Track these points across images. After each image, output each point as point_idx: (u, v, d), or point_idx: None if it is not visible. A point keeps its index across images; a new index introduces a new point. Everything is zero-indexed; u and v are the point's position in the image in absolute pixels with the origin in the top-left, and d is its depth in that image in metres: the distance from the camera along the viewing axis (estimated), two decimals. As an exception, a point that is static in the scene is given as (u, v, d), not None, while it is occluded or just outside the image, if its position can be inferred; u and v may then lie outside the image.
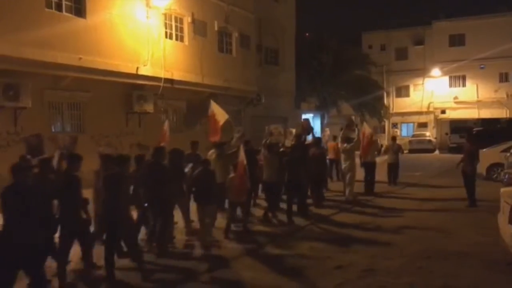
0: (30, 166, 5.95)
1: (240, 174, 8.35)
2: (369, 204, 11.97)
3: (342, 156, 12.45)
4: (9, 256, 4.90)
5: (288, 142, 12.04)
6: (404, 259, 6.99)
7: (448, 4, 35.22)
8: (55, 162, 7.16)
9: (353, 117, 17.34)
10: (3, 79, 10.75)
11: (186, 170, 8.55)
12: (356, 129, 13.22)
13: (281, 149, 10.73)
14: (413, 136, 34.66)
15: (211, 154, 9.61)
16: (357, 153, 13.00)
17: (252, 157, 9.70)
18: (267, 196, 10.08)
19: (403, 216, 10.34)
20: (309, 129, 12.14)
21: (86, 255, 6.08)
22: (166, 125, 10.67)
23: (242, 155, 8.44)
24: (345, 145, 12.23)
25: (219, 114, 10.41)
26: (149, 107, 14.56)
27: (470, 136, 12.39)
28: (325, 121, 28.42)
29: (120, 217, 6.14)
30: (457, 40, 35.76)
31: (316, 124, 27.23)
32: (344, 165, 12.35)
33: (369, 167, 13.28)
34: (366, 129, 13.50)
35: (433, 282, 6.07)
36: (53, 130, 12.58)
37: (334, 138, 14.32)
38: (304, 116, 26.40)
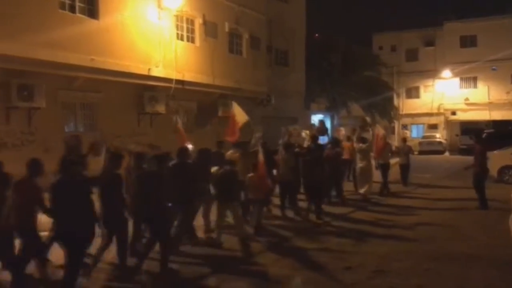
0: (78, 162, 6.18)
1: (261, 174, 8.68)
2: (381, 204, 12.13)
3: (358, 156, 12.59)
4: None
5: (305, 143, 12.31)
6: (413, 261, 7.02)
7: (460, 5, 34.99)
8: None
9: (367, 118, 17.47)
10: (17, 79, 10.92)
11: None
12: (370, 130, 13.45)
13: (296, 150, 10.98)
14: (423, 137, 34.49)
15: (232, 153, 9.82)
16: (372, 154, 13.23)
17: (269, 157, 9.89)
18: (282, 194, 10.30)
19: (413, 217, 10.34)
20: (324, 130, 12.56)
21: (121, 252, 6.29)
22: (180, 124, 10.75)
23: (261, 156, 8.76)
24: (360, 145, 12.47)
25: (240, 115, 10.74)
26: (161, 108, 14.68)
27: (478, 137, 12.41)
28: (335, 122, 28.38)
29: (156, 214, 6.37)
30: (468, 41, 35.49)
31: (326, 125, 27.17)
32: (360, 164, 12.52)
33: (384, 169, 13.44)
34: (380, 130, 13.72)
35: (442, 284, 6.10)
36: (66, 130, 12.74)
37: (348, 138, 14.47)
38: (313, 117, 26.44)
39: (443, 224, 9.55)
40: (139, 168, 7.14)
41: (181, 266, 6.69)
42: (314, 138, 11.56)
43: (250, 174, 8.78)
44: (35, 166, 5.85)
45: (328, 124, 27.32)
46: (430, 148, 31.56)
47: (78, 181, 5.53)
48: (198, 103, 16.81)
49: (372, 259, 7.13)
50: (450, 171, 19.52)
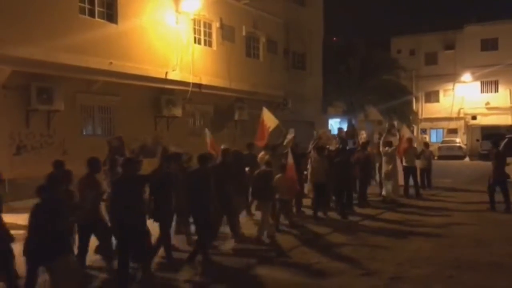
0: (138, 161, 6.91)
1: (290, 175, 9.08)
2: (399, 210, 11.90)
3: (384, 159, 12.71)
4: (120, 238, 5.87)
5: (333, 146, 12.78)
6: (433, 268, 6.85)
7: (481, 8, 34.41)
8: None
9: (394, 122, 17.68)
10: (37, 83, 11.09)
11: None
12: (397, 134, 13.82)
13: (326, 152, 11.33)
14: (443, 142, 33.95)
15: (263, 155, 10.31)
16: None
17: (298, 159, 10.19)
18: (316, 195, 10.54)
19: (433, 223, 10.14)
20: (354, 134, 13.16)
21: (165, 244, 6.88)
22: (209, 137, 11.05)
23: (290, 158, 9.26)
24: (386, 148, 12.66)
25: (270, 120, 11.24)
26: (178, 111, 14.75)
27: (495, 142, 12.44)
28: (355, 124, 28.17)
29: (204, 211, 6.89)
30: (489, 45, 34.87)
31: (344, 128, 27.00)
32: (386, 168, 12.64)
33: (409, 171, 13.55)
34: (406, 132, 14.10)
35: (463, 292, 5.94)
36: (84, 133, 12.89)
37: (367, 142, 14.40)
38: (330, 121, 26.30)
39: (465, 231, 9.32)
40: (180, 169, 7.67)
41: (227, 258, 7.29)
42: (344, 142, 12.06)
43: (278, 175, 9.00)
44: (95, 164, 6.59)
45: (345, 128, 27.14)
46: (449, 153, 30.99)
47: (137, 177, 6.14)
48: (214, 106, 16.85)
49: (390, 266, 6.99)
50: (471, 177, 19.13)
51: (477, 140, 32.89)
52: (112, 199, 6.02)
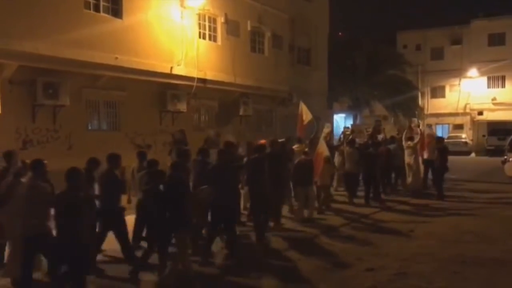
0: (188, 152, 7.70)
1: (319, 163, 10.14)
2: (408, 203, 12.18)
3: (406, 152, 13.70)
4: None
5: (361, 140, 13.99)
6: (437, 264, 6.85)
7: (488, 3, 34.04)
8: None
9: (415, 119, 18.77)
10: (43, 78, 11.12)
11: None
12: (419, 130, 14.88)
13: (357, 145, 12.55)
14: (448, 137, 33.74)
15: (298, 146, 11.31)
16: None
17: (331, 151, 11.46)
18: (348, 184, 11.97)
19: (437, 218, 10.13)
20: (381, 129, 14.67)
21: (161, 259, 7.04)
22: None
23: (323, 147, 10.46)
24: (408, 142, 13.63)
25: (306, 114, 12.16)
26: (182, 106, 14.76)
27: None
28: (358, 121, 28.09)
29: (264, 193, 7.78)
30: (496, 39, 34.60)
31: (348, 124, 26.93)
32: (408, 160, 13.59)
33: (429, 165, 14.15)
34: (427, 130, 15.76)
35: (468, 288, 5.93)
36: (89, 127, 12.93)
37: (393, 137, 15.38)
38: (335, 117, 26.24)
39: (469, 227, 9.30)
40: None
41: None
42: (371, 136, 13.57)
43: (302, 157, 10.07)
44: (115, 160, 6.75)
45: (350, 123, 27.08)
46: (455, 149, 30.74)
47: (232, 165, 7.41)
48: (219, 101, 16.84)
49: (395, 261, 6.99)
50: (476, 173, 19.05)
51: (483, 136, 32.72)
52: (211, 182, 6.93)
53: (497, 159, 17.98)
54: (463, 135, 34.10)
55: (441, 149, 14.41)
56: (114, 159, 6.75)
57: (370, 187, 11.86)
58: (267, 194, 7.88)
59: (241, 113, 17.31)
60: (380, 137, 14.21)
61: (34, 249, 5.37)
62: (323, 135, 12.12)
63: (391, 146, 13.53)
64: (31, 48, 10.54)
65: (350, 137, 13.06)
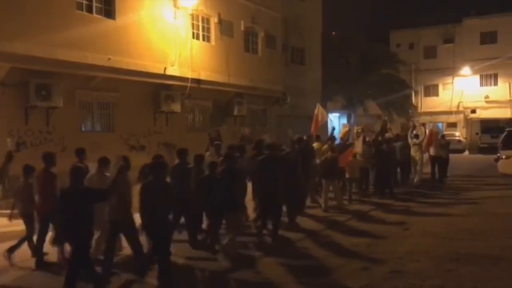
0: (236, 155, 8.24)
1: (346, 156, 11.55)
2: (403, 200, 12.34)
3: (412, 149, 14.86)
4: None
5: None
6: (432, 262, 6.88)
7: (480, 1, 34.13)
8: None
9: (417, 119, 20.09)
10: (36, 79, 11.07)
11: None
12: (423, 128, 16.44)
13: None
14: (442, 136, 33.89)
15: (317, 144, 12.24)
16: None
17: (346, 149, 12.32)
18: (362, 178, 12.69)
19: (432, 216, 10.17)
20: (387, 129, 15.66)
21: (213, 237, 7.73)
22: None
23: (358, 144, 12.23)
24: (414, 140, 14.97)
25: (322, 114, 13.23)
26: (176, 107, 14.73)
27: None
28: (352, 121, 28.14)
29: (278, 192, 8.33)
30: (488, 38, 34.77)
31: (344, 122, 26.97)
32: (414, 156, 14.81)
33: (435, 161, 15.57)
34: (434, 128, 16.79)
35: (462, 285, 5.96)
36: (83, 129, 12.88)
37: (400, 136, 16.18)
38: (330, 115, 26.25)
39: (464, 224, 9.35)
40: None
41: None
42: (379, 134, 14.36)
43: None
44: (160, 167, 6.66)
45: (344, 122, 27.12)
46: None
47: (277, 158, 8.46)
48: (213, 102, 16.83)
49: (389, 259, 7.01)
50: (470, 170, 19.15)
51: (477, 134, 32.89)
52: (259, 174, 8.23)
53: (490, 157, 18.07)
54: (457, 133, 34.26)
55: (445, 145, 16.06)
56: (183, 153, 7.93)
57: (383, 182, 12.79)
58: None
59: (235, 113, 17.30)
60: (387, 135, 14.87)
61: (118, 232, 6.55)
62: (341, 134, 13.60)
63: (398, 144, 14.34)
64: (23, 50, 10.49)
65: (362, 135, 13.94)
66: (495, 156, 16.35)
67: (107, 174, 6.73)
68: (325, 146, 11.73)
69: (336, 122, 27.85)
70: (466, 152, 31.40)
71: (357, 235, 8.64)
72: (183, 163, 7.94)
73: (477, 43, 35.00)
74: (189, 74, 14.80)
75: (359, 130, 14.91)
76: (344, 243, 8.07)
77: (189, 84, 14.78)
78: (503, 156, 15.56)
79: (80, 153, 7.79)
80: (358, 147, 12.31)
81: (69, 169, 5.64)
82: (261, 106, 19.59)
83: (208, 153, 9.65)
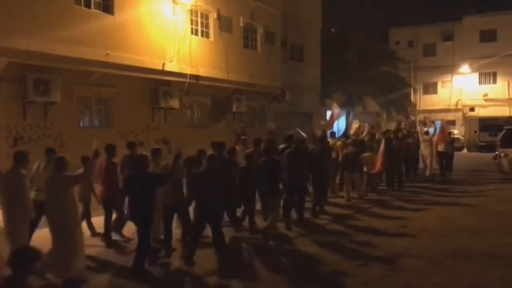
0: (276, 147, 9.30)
1: (378, 163, 12.55)
2: (402, 197, 12.33)
3: (423, 145, 16.03)
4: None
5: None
6: (430, 258, 6.88)
7: (479, -1, 34.25)
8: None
9: (428, 115, 21.77)
10: (34, 74, 10.99)
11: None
12: (434, 125, 17.21)
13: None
14: (449, 133, 33.87)
15: (335, 141, 13.01)
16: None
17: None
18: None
19: (430, 213, 10.18)
20: (401, 128, 16.48)
21: (252, 220, 8.69)
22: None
23: (383, 146, 12.81)
24: (425, 136, 16.14)
25: (338, 113, 14.43)
26: (175, 103, 14.68)
27: None
28: (351, 118, 28.11)
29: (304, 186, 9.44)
30: (488, 36, 34.75)
31: (342, 121, 26.95)
32: (424, 152, 15.96)
33: (445, 156, 16.50)
34: (445, 126, 18.12)
35: (460, 282, 5.96)
36: (81, 124, 12.84)
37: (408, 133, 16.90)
38: (328, 113, 26.24)
39: (462, 222, 9.36)
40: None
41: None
42: (395, 133, 15.06)
43: (367, 154, 12.47)
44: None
45: (343, 120, 27.11)
46: (447, 145, 31.00)
47: (305, 151, 9.51)
48: (212, 98, 16.78)
49: (388, 256, 7.01)
50: (468, 168, 19.17)
51: (475, 132, 32.92)
52: (288, 166, 8.79)
53: (489, 155, 18.10)
54: (455, 131, 34.29)
55: (451, 141, 17.19)
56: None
57: (393, 176, 13.55)
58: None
59: (234, 109, 17.26)
60: (401, 133, 15.69)
61: (173, 215, 7.52)
62: (352, 131, 14.69)
63: (410, 140, 15.43)
64: (21, 45, 10.41)
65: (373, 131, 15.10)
66: (493, 154, 16.37)
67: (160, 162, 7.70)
68: (339, 142, 12.78)
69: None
70: (465, 150, 31.44)
71: (358, 230, 8.65)
72: (222, 155, 8.56)
73: (476, 41, 34.99)
74: (188, 70, 14.75)
75: (372, 131, 15.40)
76: (343, 238, 8.07)
77: (187, 80, 14.72)
78: (502, 155, 15.58)
79: (131, 145, 8.88)
80: (382, 146, 13.05)
81: (134, 157, 6.97)
82: (260, 103, 19.55)
83: (237, 147, 10.33)
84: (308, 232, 8.73)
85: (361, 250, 7.46)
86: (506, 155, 15.44)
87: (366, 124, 17.71)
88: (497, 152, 15.94)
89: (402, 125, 17.73)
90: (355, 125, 15.62)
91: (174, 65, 14.40)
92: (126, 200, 6.74)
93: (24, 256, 3.60)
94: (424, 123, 17.53)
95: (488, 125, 30.89)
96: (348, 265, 6.66)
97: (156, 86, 14.25)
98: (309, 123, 20.92)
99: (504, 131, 16.88)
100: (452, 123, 36.42)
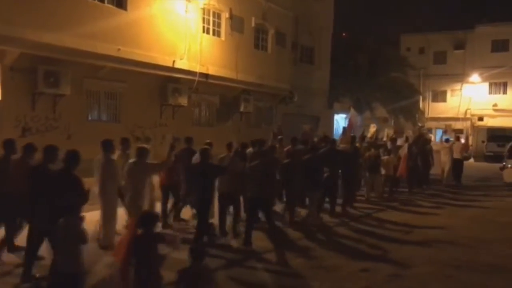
0: (321, 146, 10.60)
1: (403, 167, 13.31)
2: (411, 204, 12.51)
3: (442, 152, 16.50)
4: None
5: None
6: (432, 267, 6.85)
7: (492, 9, 33.89)
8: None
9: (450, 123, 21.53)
10: (44, 66, 11.08)
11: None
12: (453, 133, 18.13)
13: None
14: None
15: (344, 146, 13.02)
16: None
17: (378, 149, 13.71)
18: (395, 175, 13.73)
19: (434, 221, 10.13)
20: (423, 134, 17.44)
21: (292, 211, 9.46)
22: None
23: (405, 149, 13.74)
24: (444, 144, 16.74)
25: (355, 118, 15.10)
26: (183, 100, 14.73)
27: None
28: (359, 123, 28.02)
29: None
30: (500, 46, 34.52)
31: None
32: (444, 158, 16.33)
33: (458, 164, 16.76)
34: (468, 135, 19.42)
35: (461, 292, 5.93)
36: (89, 118, 12.91)
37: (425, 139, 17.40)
38: (336, 117, 26.19)
39: (465, 231, 9.30)
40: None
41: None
42: (418, 138, 15.99)
43: (386, 157, 13.05)
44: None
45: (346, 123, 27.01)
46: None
47: (337, 152, 10.69)
48: (220, 97, 16.81)
49: (390, 263, 6.99)
50: (475, 178, 19.05)
51: (483, 142, 32.69)
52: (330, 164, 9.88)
53: (496, 165, 17.99)
54: (463, 141, 34.04)
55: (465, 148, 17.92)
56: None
57: (413, 179, 14.25)
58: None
59: (241, 109, 17.29)
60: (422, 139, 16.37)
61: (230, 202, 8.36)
62: (369, 134, 15.29)
63: (427, 147, 15.74)
64: (34, 36, 10.50)
65: (394, 137, 15.78)
66: (500, 164, 16.27)
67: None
68: (365, 145, 13.45)
69: (342, 123, 27.76)
70: (472, 160, 31.24)
71: (363, 234, 8.63)
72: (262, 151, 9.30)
73: (488, 51, 34.77)
74: (198, 68, 14.79)
75: (393, 136, 16.19)
76: (345, 244, 8.05)
77: (197, 78, 14.77)
78: (509, 165, 15.48)
79: (189, 140, 9.51)
80: (404, 149, 13.81)
81: (198, 151, 7.76)
82: (268, 104, 19.55)
83: (277, 145, 10.94)
84: (317, 230, 8.95)
85: (364, 255, 7.43)
86: (512, 166, 15.35)
87: (386, 129, 18.76)
88: (504, 163, 15.83)
89: (425, 131, 18.53)
90: (372, 129, 15.89)
91: (184, 62, 14.45)
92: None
93: (149, 217, 4.82)
94: (445, 131, 18.67)
95: (496, 135, 30.67)
96: (349, 270, 6.65)
97: (166, 83, 14.31)
98: (316, 126, 20.88)
99: (512, 142, 16.77)
100: (460, 132, 36.19)
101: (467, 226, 9.81)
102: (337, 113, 26.51)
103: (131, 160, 7.19)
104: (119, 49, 12.37)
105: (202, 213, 7.31)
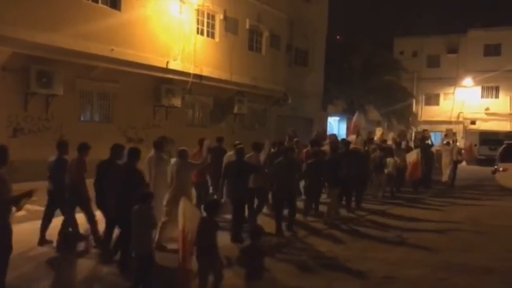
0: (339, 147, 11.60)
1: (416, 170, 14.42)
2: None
3: (444, 154, 17.37)
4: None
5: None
6: (425, 269, 6.86)
7: (485, 13, 34.28)
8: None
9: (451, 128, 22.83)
10: (37, 66, 10.99)
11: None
12: (454, 136, 18.96)
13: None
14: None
15: (354, 146, 13.54)
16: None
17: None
18: (398, 176, 14.49)
19: (426, 224, 10.16)
20: (427, 136, 17.61)
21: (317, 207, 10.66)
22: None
23: (419, 154, 14.52)
24: (446, 146, 17.62)
25: (361, 121, 15.49)
26: (177, 101, 14.69)
27: None
28: (363, 125, 28.07)
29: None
30: (492, 50, 34.79)
31: (342, 128, 26.96)
32: (445, 160, 17.15)
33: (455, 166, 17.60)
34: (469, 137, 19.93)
35: (453, 295, 5.94)
36: (82, 118, 12.83)
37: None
38: (329, 119, 26.25)
39: (457, 234, 9.34)
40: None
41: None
42: (422, 140, 16.59)
43: (389, 159, 13.67)
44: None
45: (344, 127, 27.12)
46: (447, 157, 30.96)
47: (352, 153, 11.61)
48: (214, 98, 16.79)
49: (382, 266, 6.99)
50: (467, 181, 19.15)
51: (475, 145, 32.87)
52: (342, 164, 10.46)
53: (488, 169, 18.09)
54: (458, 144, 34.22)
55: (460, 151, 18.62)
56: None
57: (419, 180, 14.94)
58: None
59: (235, 111, 17.28)
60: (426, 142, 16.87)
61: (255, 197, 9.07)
62: (376, 136, 16.03)
63: (430, 150, 16.32)
64: (26, 35, 10.41)
65: (398, 139, 16.47)
66: (492, 168, 16.36)
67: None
68: (373, 147, 14.04)
69: (335, 125, 27.84)
70: (464, 163, 31.39)
71: (356, 236, 8.63)
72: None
73: (480, 55, 35.02)
74: (191, 69, 14.76)
75: (397, 139, 16.70)
76: (337, 247, 8.05)
77: (190, 79, 14.74)
78: (501, 169, 15.58)
79: (220, 140, 10.37)
80: (413, 155, 14.52)
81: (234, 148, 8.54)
82: (262, 106, 19.56)
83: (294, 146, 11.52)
84: (310, 233, 8.94)
85: (356, 258, 7.43)
86: (505, 170, 15.44)
87: (391, 133, 19.85)
88: (496, 166, 15.93)
89: (428, 134, 18.68)
90: (378, 132, 17.09)
91: (178, 63, 14.41)
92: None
93: (213, 204, 5.76)
94: (445, 134, 19.69)
95: (489, 139, 30.87)
96: (341, 272, 6.64)
97: (159, 83, 14.26)
98: (309, 128, 20.93)
99: (504, 145, 16.87)
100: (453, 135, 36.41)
101: (459, 228, 9.85)
102: (331, 115, 26.59)
103: (174, 160, 7.97)
104: (112, 50, 12.31)
105: (237, 206, 7.93)
